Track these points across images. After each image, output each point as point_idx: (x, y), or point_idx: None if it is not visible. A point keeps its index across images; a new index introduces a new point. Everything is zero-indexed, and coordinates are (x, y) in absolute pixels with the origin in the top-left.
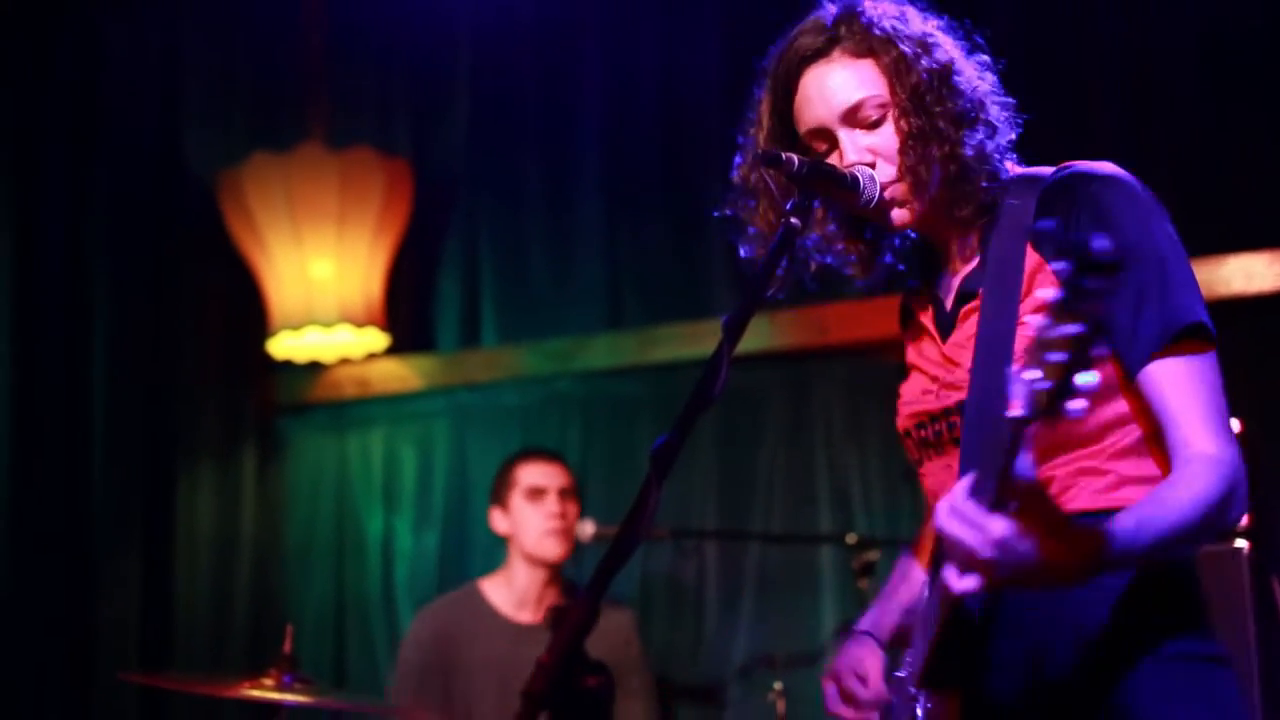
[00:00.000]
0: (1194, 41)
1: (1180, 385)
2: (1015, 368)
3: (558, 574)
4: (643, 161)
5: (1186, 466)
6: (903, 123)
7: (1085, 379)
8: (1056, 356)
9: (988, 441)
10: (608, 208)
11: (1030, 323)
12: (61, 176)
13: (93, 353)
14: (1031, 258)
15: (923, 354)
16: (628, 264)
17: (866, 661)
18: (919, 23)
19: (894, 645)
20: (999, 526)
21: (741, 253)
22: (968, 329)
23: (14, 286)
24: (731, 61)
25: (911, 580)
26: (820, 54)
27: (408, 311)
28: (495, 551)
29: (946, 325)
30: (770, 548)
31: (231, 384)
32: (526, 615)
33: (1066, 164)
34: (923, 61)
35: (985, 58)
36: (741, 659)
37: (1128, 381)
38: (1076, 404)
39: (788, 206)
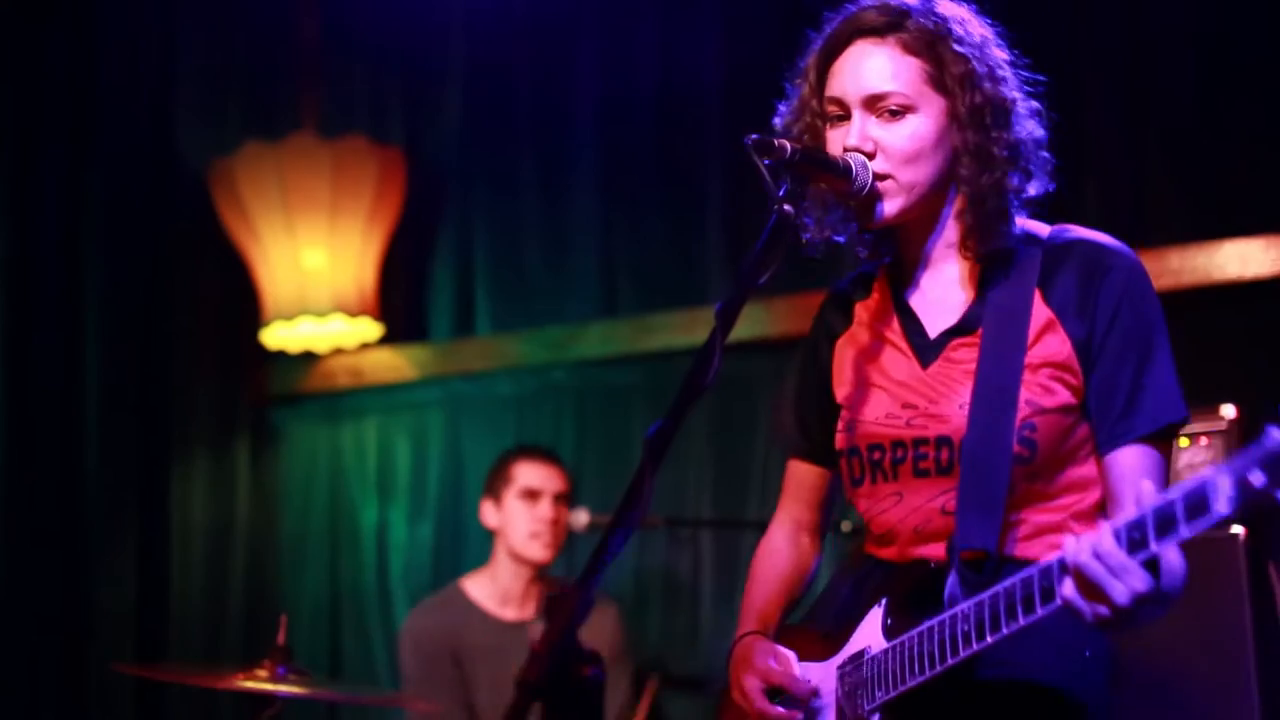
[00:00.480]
0: (1189, 26)
1: (1148, 475)
2: (1230, 466)
3: (543, 572)
4: (637, 150)
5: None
6: (958, 137)
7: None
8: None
9: (986, 484)
10: (602, 196)
11: (1272, 433)
12: (55, 168)
13: (86, 344)
14: (1042, 311)
15: (888, 373)
16: (622, 252)
17: (778, 655)
18: (995, 52)
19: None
20: (1143, 582)
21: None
22: (959, 362)
23: (8, 278)
24: (727, 50)
25: (786, 575)
26: (875, 33)
27: (401, 301)
28: (490, 542)
29: (927, 350)
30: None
31: (225, 374)
32: (511, 612)
33: (1064, 226)
34: (989, 85)
35: (1038, 105)
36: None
37: (1097, 450)
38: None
39: (780, 193)
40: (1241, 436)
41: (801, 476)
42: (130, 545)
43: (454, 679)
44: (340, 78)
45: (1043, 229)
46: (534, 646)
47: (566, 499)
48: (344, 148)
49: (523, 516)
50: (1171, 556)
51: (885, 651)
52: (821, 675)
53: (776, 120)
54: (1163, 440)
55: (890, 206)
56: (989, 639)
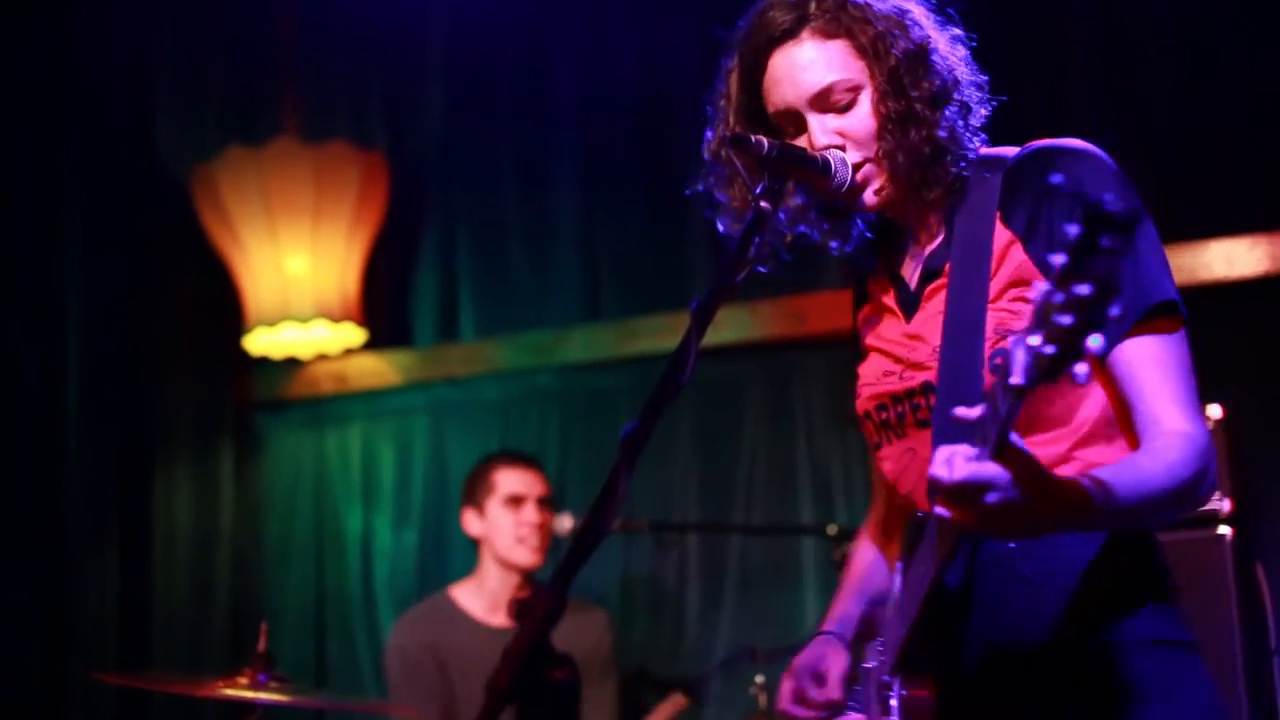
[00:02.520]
0: (1172, 25)
1: (1151, 364)
2: (1016, 335)
3: (531, 577)
4: (620, 153)
5: (1160, 440)
6: (880, 107)
7: (1095, 342)
8: (1064, 319)
9: (960, 423)
10: (585, 200)
11: (1034, 287)
12: (34, 172)
13: (67, 351)
14: (1002, 234)
15: (882, 335)
16: (605, 256)
17: (828, 660)
18: None
19: (860, 638)
20: (993, 472)
21: (719, 227)
22: (933, 307)
23: None
24: (709, 50)
25: (870, 569)
26: (789, 34)
27: (385, 306)
28: (474, 549)
29: (911, 304)
30: (751, 540)
31: (208, 381)
32: (500, 619)
33: (1030, 144)
34: (900, 42)
35: (958, 30)
36: (723, 652)
37: (1098, 360)
38: (1082, 368)
39: (757, 190)
40: (1228, 435)
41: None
42: (113, 552)
43: (440, 689)
44: (321, 82)
45: (1009, 151)
46: (505, 650)
47: (550, 503)
48: (326, 152)
49: (508, 522)
50: (1133, 456)
51: (892, 611)
52: (874, 653)
53: (703, 149)
54: (1156, 326)
55: (873, 192)
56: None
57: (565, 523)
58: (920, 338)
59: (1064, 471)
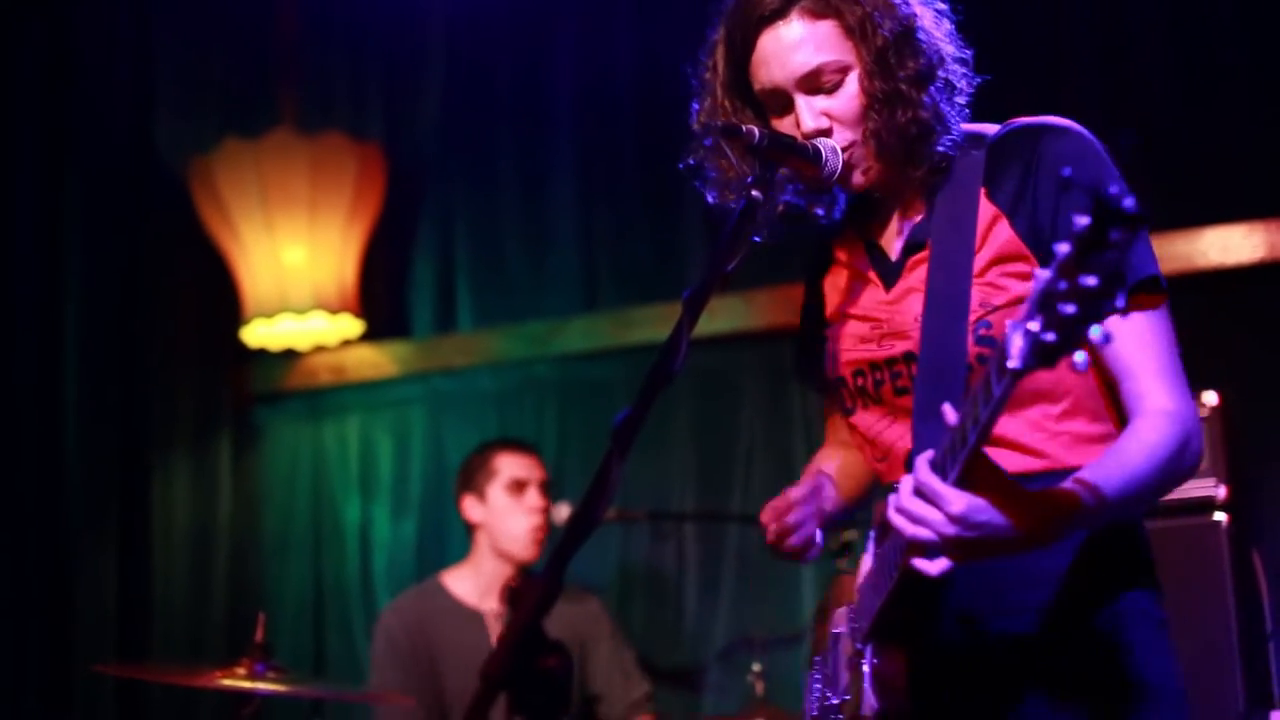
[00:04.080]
0: (1166, 14)
1: (1135, 339)
2: (1015, 320)
3: (526, 568)
4: (617, 143)
5: (1143, 420)
6: (868, 87)
7: (1097, 332)
8: (1068, 308)
9: (943, 392)
10: (582, 190)
11: (1036, 275)
12: (33, 166)
13: (65, 344)
14: (987, 209)
15: (859, 302)
16: (603, 247)
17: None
18: None
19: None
20: (958, 502)
21: (707, 198)
22: (915, 278)
23: None
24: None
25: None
26: (778, 14)
27: (382, 297)
28: (469, 536)
29: (891, 273)
30: (749, 529)
31: (206, 373)
32: (490, 604)
33: (1011, 120)
34: (886, 22)
35: (942, 5)
36: (721, 640)
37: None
38: (1081, 356)
39: (748, 180)
40: (1224, 422)
41: (834, 416)
42: (112, 545)
43: (424, 672)
44: (319, 74)
45: (990, 129)
46: (498, 637)
47: (550, 488)
48: (323, 144)
49: (512, 507)
50: (1112, 450)
51: (866, 579)
52: (842, 619)
53: (692, 120)
54: (1140, 301)
55: (861, 173)
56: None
57: (563, 511)
58: (900, 307)
59: (1052, 445)
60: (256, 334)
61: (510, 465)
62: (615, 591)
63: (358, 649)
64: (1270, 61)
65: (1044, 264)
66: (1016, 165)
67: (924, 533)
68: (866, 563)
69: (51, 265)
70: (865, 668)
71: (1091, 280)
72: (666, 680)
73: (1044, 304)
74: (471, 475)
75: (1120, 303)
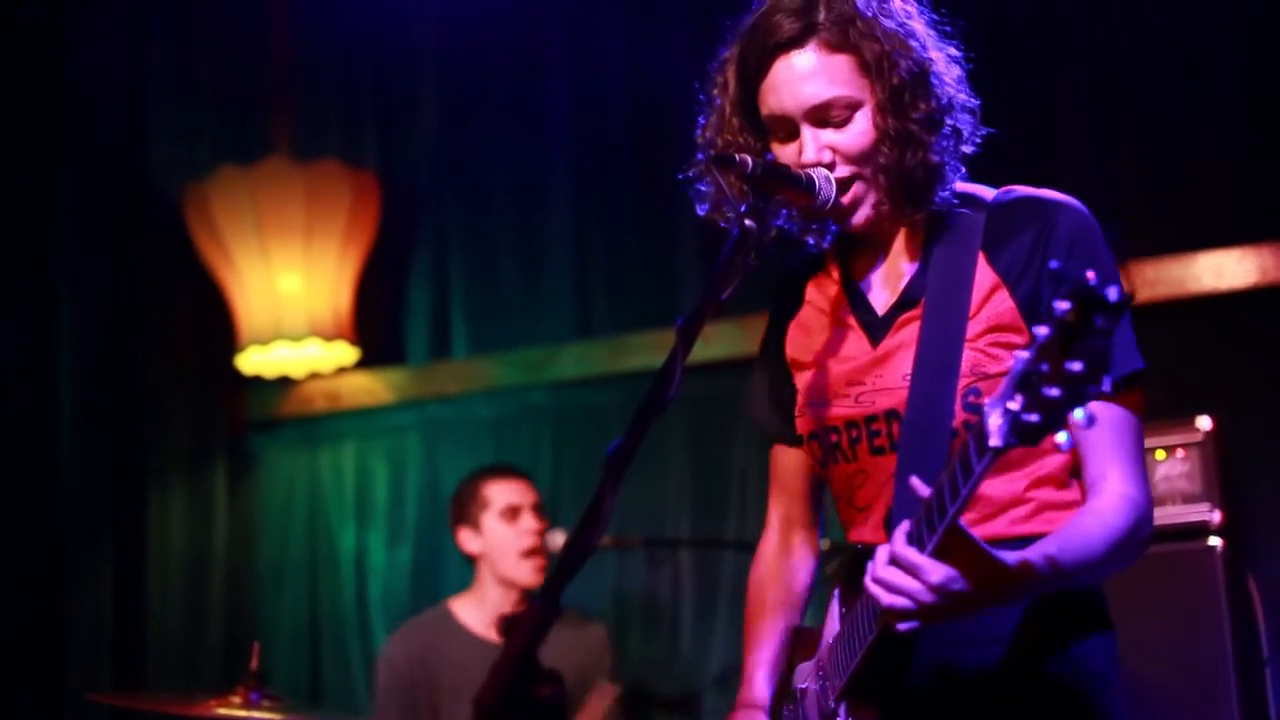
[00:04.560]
0: (1160, 39)
1: (1110, 425)
2: (993, 398)
3: (530, 594)
4: (612, 170)
5: (1105, 500)
6: (879, 125)
7: (1080, 415)
8: (1052, 391)
9: (928, 455)
10: (577, 216)
11: (1016, 356)
12: (25, 192)
13: (60, 371)
14: (986, 275)
15: (837, 351)
16: (597, 273)
17: None
18: (899, 11)
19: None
20: (936, 573)
21: (698, 210)
22: (905, 335)
23: None
24: (701, 65)
25: (773, 620)
26: (795, 42)
27: (377, 324)
28: (469, 565)
29: (878, 328)
30: (745, 555)
31: (201, 400)
32: (497, 634)
33: (1010, 188)
34: (903, 61)
35: (954, 50)
36: (717, 667)
37: None
38: (1063, 437)
39: (742, 208)
40: (1218, 447)
41: (785, 463)
42: (107, 572)
43: (427, 703)
44: (313, 100)
45: (987, 192)
46: (493, 666)
47: (544, 509)
48: (318, 171)
49: (508, 535)
50: (1073, 522)
51: (836, 638)
52: (808, 674)
53: (697, 133)
54: (1124, 396)
55: (861, 211)
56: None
57: (557, 539)
58: (888, 365)
59: (1018, 513)
60: (251, 361)
61: (501, 493)
62: (611, 618)
63: (353, 676)
64: (1264, 86)
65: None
66: (1024, 235)
67: (901, 601)
68: (832, 621)
69: (45, 292)
70: None
71: (1077, 365)
72: (663, 707)
73: (1025, 384)
74: (464, 507)
75: (1106, 387)
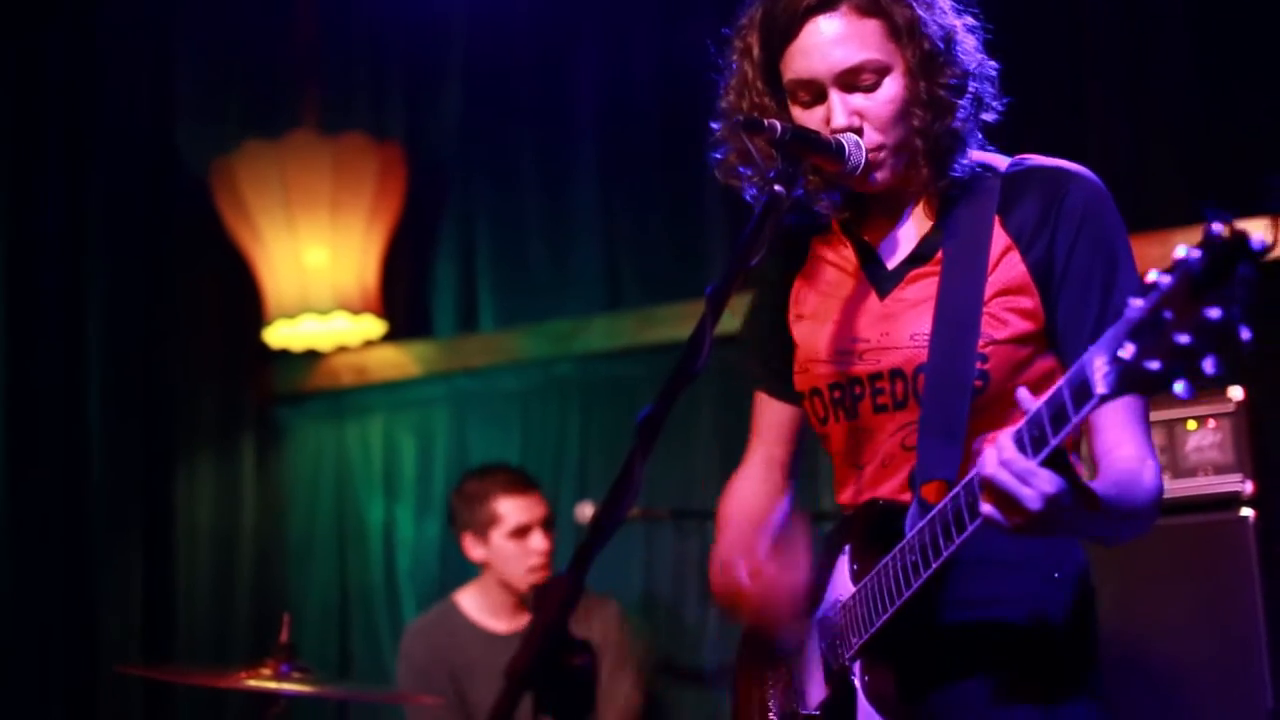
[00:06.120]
0: (1189, 10)
1: (1126, 406)
2: (1097, 345)
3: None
4: (639, 141)
5: (1133, 464)
6: (907, 91)
7: (1209, 365)
8: (1182, 339)
9: (950, 415)
10: (604, 188)
11: (1130, 304)
12: (56, 168)
13: (88, 346)
14: (1000, 238)
15: (843, 306)
16: (625, 245)
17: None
18: None
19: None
20: (1050, 483)
21: (718, 175)
22: (916, 292)
23: (8, 280)
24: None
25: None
26: (827, 5)
27: (404, 297)
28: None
29: (886, 281)
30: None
31: (228, 374)
32: (505, 625)
33: (1023, 156)
34: (932, 27)
35: (971, 19)
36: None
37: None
38: (1180, 388)
39: (771, 174)
40: (1250, 417)
41: (770, 413)
42: (136, 547)
43: (449, 689)
44: (340, 74)
45: (1001, 160)
46: (524, 636)
47: (552, 523)
48: (345, 144)
49: (515, 553)
50: (1114, 469)
51: (853, 596)
52: (805, 632)
53: (718, 96)
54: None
55: (883, 174)
56: (934, 564)
57: (585, 511)
58: (895, 321)
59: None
60: (279, 335)
61: (514, 511)
62: (639, 590)
63: (383, 649)
64: None
65: (1048, 303)
66: (1035, 201)
67: (1013, 501)
68: (840, 580)
69: (74, 268)
70: (856, 682)
71: (1215, 312)
72: (690, 679)
73: (1142, 332)
74: (472, 516)
75: (1245, 336)
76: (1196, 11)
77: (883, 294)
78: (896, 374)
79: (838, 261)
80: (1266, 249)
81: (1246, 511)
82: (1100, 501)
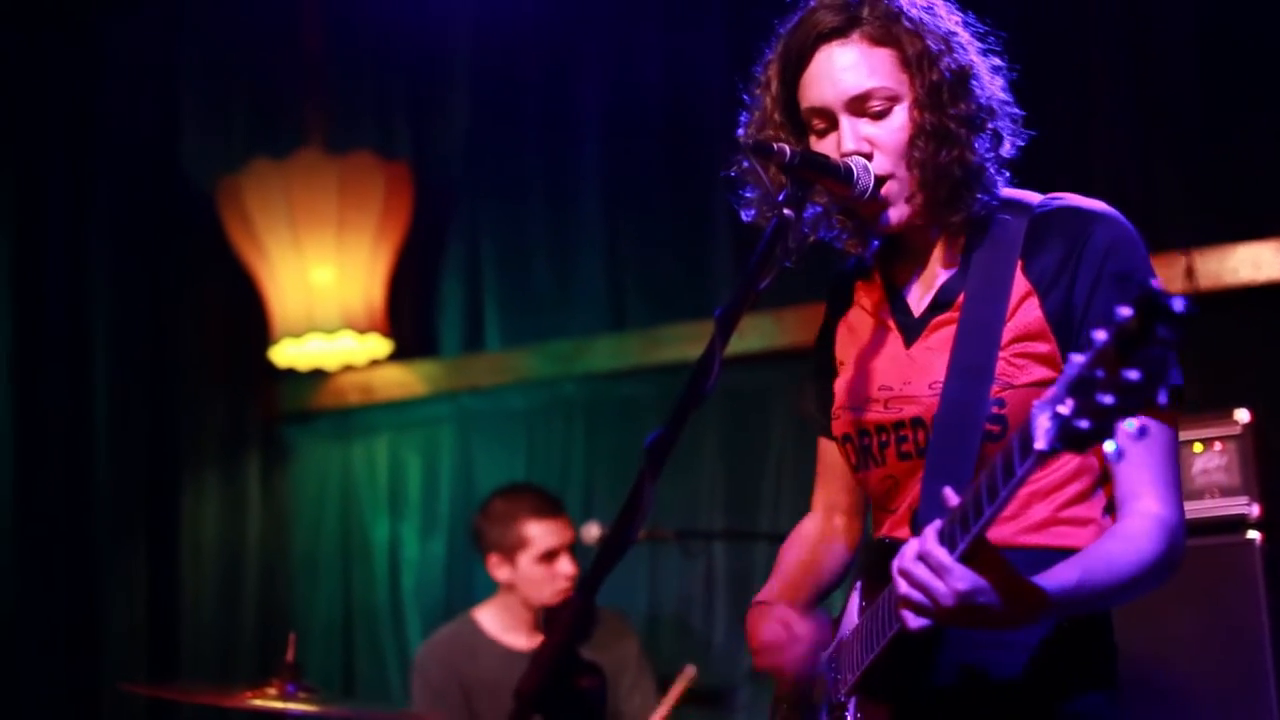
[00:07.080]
0: (1196, 28)
1: (1147, 445)
2: (1043, 400)
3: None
4: (645, 162)
5: (1136, 522)
6: (916, 120)
7: (1131, 426)
8: (1106, 399)
9: (958, 459)
10: (610, 208)
11: (1071, 360)
12: (61, 186)
13: (95, 364)
14: (1021, 283)
15: (876, 353)
16: (630, 265)
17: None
18: (946, 17)
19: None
20: (964, 580)
21: (742, 216)
22: (937, 339)
23: (15, 298)
24: (735, 60)
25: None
26: (838, 33)
27: (410, 317)
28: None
29: (912, 329)
30: (778, 548)
31: (234, 393)
32: (523, 641)
33: (1056, 195)
34: (945, 59)
35: (998, 61)
36: (751, 660)
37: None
38: (1111, 447)
39: (780, 198)
40: (1256, 440)
41: (831, 456)
42: (141, 564)
43: (464, 711)
44: (346, 93)
45: (1033, 198)
46: (533, 657)
47: (577, 549)
48: (351, 163)
49: (543, 577)
50: (1103, 544)
51: (853, 632)
52: (823, 666)
53: (739, 132)
54: (1162, 410)
55: (896, 213)
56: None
57: (593, 531)
58: (918, 369)
59: (1029, 521)
60: (285, 354)
61: (543, 536)
62: (644, 611)
63: (387, 668)
64: None
65: (1069, 349)
66: (1058, 244)
67: (919, 598)
68: (851, 614)
69: (80, 285)
70: (849, 718)
71: (1134, 374)
72: (697, 701)
73: (1078, 389)
74: (499, 537)
75: (1162, 400)
76: (1204, 33)
77: (908, 342)
78: (917, 423)
79: (870, 306)
80: (1188, 313)
81: (1253, 534)
82: (1049, 599)
